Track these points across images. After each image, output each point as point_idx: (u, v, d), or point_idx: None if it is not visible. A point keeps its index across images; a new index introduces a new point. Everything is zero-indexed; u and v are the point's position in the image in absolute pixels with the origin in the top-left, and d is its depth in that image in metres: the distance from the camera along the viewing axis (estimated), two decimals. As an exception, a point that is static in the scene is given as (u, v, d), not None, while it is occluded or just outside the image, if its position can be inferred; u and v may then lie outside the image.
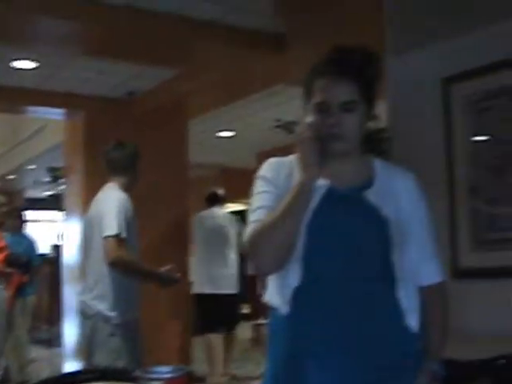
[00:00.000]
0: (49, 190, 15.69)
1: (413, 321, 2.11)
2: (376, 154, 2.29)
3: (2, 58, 6.40)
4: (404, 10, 4.19)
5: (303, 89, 2.18)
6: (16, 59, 6.47)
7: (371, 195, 2.12)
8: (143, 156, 4.69)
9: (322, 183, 2.08)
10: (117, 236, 4.19)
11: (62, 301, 8.44)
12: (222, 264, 6.92)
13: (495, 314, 3.61)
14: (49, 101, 7.68)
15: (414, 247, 2.14)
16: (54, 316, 10.74)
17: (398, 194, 2.17)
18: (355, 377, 2.03)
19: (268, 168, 2.21)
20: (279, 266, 2.05)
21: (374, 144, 2.61)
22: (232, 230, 6.96)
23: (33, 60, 6.49)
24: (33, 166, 13.03)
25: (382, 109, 2.95)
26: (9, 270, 8.28)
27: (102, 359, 4.20)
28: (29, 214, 10.62)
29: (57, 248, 12.19)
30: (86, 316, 4.34)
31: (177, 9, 5.29)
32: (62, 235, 9.58)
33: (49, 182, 14.13)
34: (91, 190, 4.94)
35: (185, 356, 7.86)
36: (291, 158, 2.17)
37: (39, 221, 17.04)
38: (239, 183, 5.63)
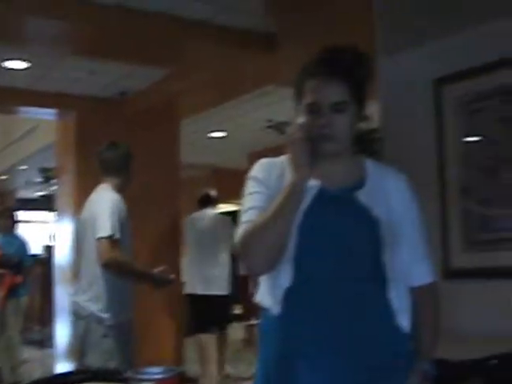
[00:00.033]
0: (40, 191, 15.66)
1: (404, 321, 2.11)
2: (367, 154, 2.30)
3: (-6, 58, 6.39)
4: (394, 10, 4.20)
5: (294, 89, 2.18)
6: (7, 59, 6.45)
7: (362, 196, 2.12)
8: (135, 156, 4.68)
9: (314, 184, 2.08)
10: (110, 237, 4.18)
11: (54, 301, 8.42)
12: (213, 265, 6.91)
13: (487, 314, 3.62)
14: (40, 101, 7.66)
15: (405, 248, 2.14)
16: (45, 317, 10.73)
17: (389, 194, 2.17)
18: (346, 377, 2.03)
19: (259, 169, 2.21)
20: (270, 266, 2.05)
21: (366, 144, 2.60)
22: (224, 231, 6.94)
23: (24, 60, 6.47)
24: (24, 167, 13.00)
25: (373, 109, 2.95)
26: (0, 270, 8.26)
27: (94, 360, 4.19)
28: (20, 215, 10.60)
29: (49, 249, 12.17)
30: (80, 317, 4.33)
31: (168, 8, 5.28)
32: (53, 236, 9.56)
33: (40, 183, 14.10)
34: (83, 191, 4.94)
35: (177, 357, 7.86)
36: (282, 158, 2.17)
37: (31, 221, 17.00)
38: (231, 184, 5.63)
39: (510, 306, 3.52)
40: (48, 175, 12.89)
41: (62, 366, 7.68)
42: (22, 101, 7.69)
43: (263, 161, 2.24)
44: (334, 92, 2.08)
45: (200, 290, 6.90)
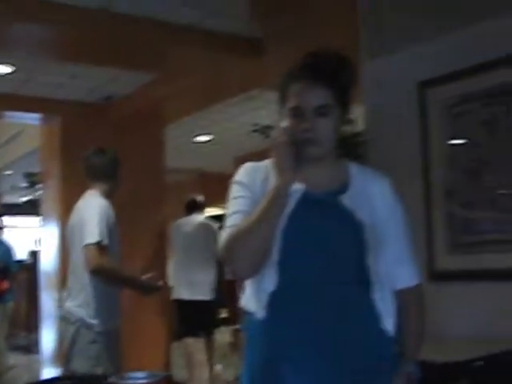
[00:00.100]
0: (26, 196, 15.60)
1: (388, 324, 2.12)
2: (351, 158, 2.30)
3: (-22, 62, 6.36)
4: (379, 14, 4.22)
5: (278, 93, 2.19)
6: (-9, 64, 6.43)
7: (346, 199, 2.13)
8: (121, 161, 4.67)
9: (298, 187, 2.08)
10: (98, 244, 4.16)
11: (40, 307, 8.39)
12: (199, 270, 6.91)
13: (471, 316, 3.64)
14: (25, 106, 7.63)
15: (389, 251, 2.15)
16: (31, 322, 10.69)
17: (373, 197, 2.18)
18: (331, 380, 2.03)
19: (244, 173, 2.22)
20: (255, 270, 2.06)
21: (350, 148, 2.62)
22: (210, 237, 6.94)
23: (8, 64, 6.45)
24: (9, 172, 12.95)
25: (357, 113, 2.95)
26: (-14, 277, 8.24)
27: (80, 366, 4.17)
28: (5, 220, 10.54)
29: (34, 254, 12.12)
30: (69, 322, 4.31)
31: (153, 13, 5.28)
32: (39, 241, 9.53)
33: (26, 188, 14.05)
34: (68, 196, 4.93)
35: (166, 361, 7.85)
36: (267, 162, 2.18)
37: (16, 227, 16.92)
38: (217, 188, 5.61)
39: (494, 307, 3.54)
40: (33, 180, 12.85)
41: (48, 372, 7.65)
42: (7, 105, 7.65)
43: (247, 165, 2.25)
44: (318, 96, 2.09)
45: (186, 296, 6.90)
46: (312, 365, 2.02)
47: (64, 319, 4.37)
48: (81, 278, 4.27)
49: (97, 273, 4.16)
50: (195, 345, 6.91)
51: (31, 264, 12.13)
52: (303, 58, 2.16)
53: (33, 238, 13.75)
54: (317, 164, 2.13)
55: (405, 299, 2.19)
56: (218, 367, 7.76)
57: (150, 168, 7.98)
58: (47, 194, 8.27)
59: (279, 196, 2.01)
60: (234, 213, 2.13)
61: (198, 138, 10.41)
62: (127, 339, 4.64)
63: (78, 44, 5.71)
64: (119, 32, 5.40)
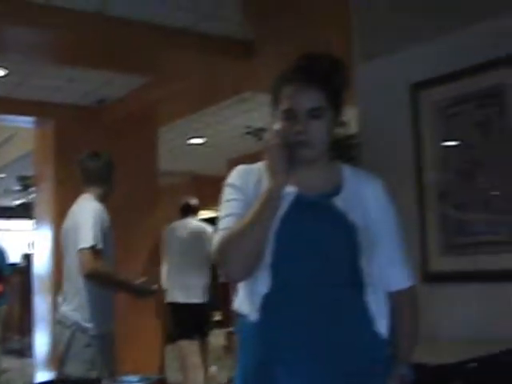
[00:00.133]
0: (19, 199, 15.57)
1: (382, 326, 2.11)
2: (344, 160, 2.30)
3: (-29, 65, 6.35)
4: (372, 17, 4.22)
5: (271, 96, 2.18)
6: (-16, 67, 6.42)
7: (339, 201, 2.13)
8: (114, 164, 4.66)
9: (290, 190, 2.08)
10: (92, 248, 4.15)
11: (34, 311, 8.37)
12: (192, 273, 6.90)
13: (465, 317, 3.64)
14: (18, 109, 7.62)
15: (383, 253, 2.15)
16: (25, 326, 10.66)
17: (366, 199, 2.18)
18: (324, 383, 2.03)
19: (236, 175, 2.21)
20: (248, 273, 2.05)
21: (343, 150, 2.62)
22: (204, 240, 6.94)
23: (1, 68, 6.44)
24: (3, 175, 12.92)
25: (350, 115, 2.96)
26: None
27: (74, 369, 4.16)
28: (-1, 224, 10.54)
29: (27, 257, 12.09)
30: (65, 326, 4.30)
31: (148, 17, 5.28)
32: (32, 244, 9.50)
33: (19, 191, 14.02)
34: (62, 199, 4.92)
35: (160, 364, 7.84)
36: (259, 165, 2.18)
37: (9, 230, 16.89)
38: (211, 190, 5.61)
39: (487, 309, 3.55)
40: (26, 183, 12.83)
41: (42, 376, 7.63)
42: (0, 108, 7.64)
43: (240, 167, 2.24)
44: (310, 98, 2.08)
45: (181, 299, 6.89)
46: (305, 367, 2.02)
47: (59, 323, 4.37)
48: (75, 282, 4.27)
49: (91, 277, 4.15)
50: (189, 347, 6.91)
51: (24, 267, 12.11)
52: (296, 61, 2.16)
53: (26, 241, 13.72)
54: (310, 166, 2.13)
55: (398, 301, 2.19)
56: (213, 369, 7.75)
57: (144, 171, 7.98)
58: (40, 197, 8.26)
59: (272, 198, 2.01)
60: (227, 215, 2.13)
61: (191, 140, 10.40)
62: (122, 342, 4.64)
63: (71, 47, 5.71)
64: (114, 35, 5.40)
